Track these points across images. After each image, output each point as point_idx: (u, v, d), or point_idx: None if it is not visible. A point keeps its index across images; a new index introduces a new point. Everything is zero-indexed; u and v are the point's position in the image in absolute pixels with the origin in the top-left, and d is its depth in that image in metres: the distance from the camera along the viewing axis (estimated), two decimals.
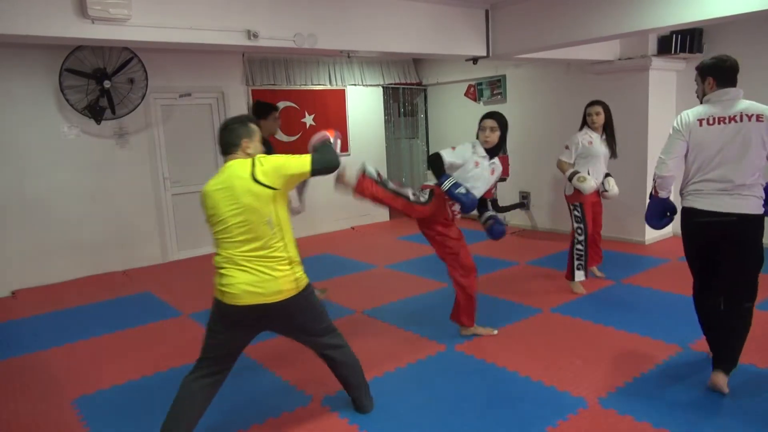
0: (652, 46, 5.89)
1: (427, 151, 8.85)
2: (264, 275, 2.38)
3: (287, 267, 2.44)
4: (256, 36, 3.96)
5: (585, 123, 4.66)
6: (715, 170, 2.81)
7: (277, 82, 7.05)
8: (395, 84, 8.27)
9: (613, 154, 4.72)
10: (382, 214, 8.42)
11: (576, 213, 4.61)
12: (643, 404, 2.82)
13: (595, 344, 3.60)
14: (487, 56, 5.39)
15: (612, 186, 4.70)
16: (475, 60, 5.48)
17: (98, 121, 5.76)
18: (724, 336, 2.91)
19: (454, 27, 5.06)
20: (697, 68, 3.01)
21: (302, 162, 2.43)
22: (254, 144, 2.52)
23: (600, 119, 4.58)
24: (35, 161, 5.61)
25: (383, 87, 8.21)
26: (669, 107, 6.26)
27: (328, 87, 7.58)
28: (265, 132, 4.06)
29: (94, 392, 3.29)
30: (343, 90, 7.75)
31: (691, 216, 2.91)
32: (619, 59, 6.09)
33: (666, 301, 4.34)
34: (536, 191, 7.34)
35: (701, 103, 2.98)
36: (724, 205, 2.78)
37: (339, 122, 7.74)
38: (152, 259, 6.40)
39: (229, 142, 2.49)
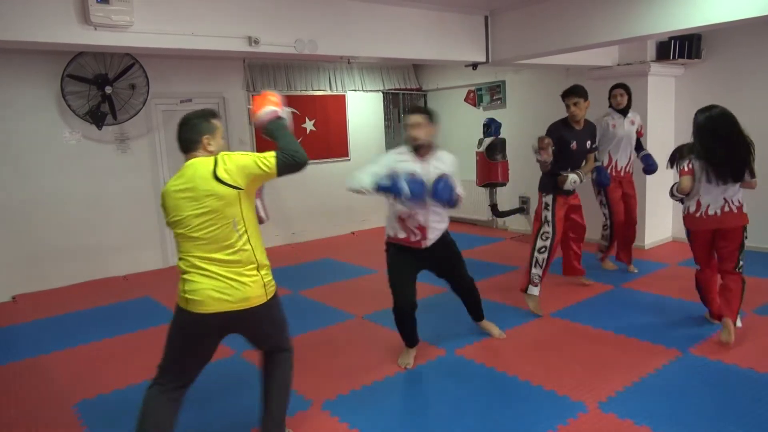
0: (651, 51, 5.92)
1: None
2: (230, 281, 2.24)
3: (254, 272, 2.30)
4: (257, 42, 3.99)
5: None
6: None
7: (277, 88, 7.08)
8: (395, 89, 8.30)
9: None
10: (382, 219, 8.40)
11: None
12: (643, 408, 2.83)
13: (595, 349, 3.61)
14: (487, 62, 5.41)
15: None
16: (474, 66, 5.50)
17: (99, 126, 5.78)
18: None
19: (454, 33, 5.09)
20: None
21: (267, 161, 2.25)
22: (216, 141, 2.36)
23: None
24: (37, 166, 5.63)
25: (383, 92, 8.24)
26: (668, 113, 6.28)
27: (329, 92, 7.61)
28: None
29: (95, 396, 3.29)
30: (344, 95, 7.78)
31: None
32: (618, 65, 6.12)
33: (665, 306, 4.35)
34: (536, 196, 7.32)
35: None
36: None
37: (339, 127, 7.77)
38: (153, 264, 6.41)
39: (188, 139, 2.34)
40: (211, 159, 2.25)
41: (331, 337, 4.03)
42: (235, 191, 2.21)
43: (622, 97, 4.99)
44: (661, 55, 5.91)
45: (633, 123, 5.04)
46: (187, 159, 2.33)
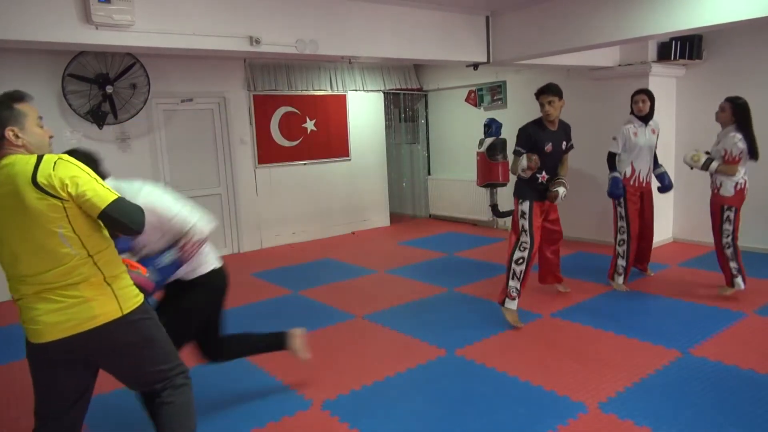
0: (652, 52, 5.92)
1: (428, 156, 8.88)
2: (71, 299, 1.85)
3: (101, 285, 1.90)
4: (258, 42, 3.99)
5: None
6: None
7: (278, 88, 7.08)
8: (396, 89, 8.30)
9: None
10: (382, 219, 8.43)
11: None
12: (643, 409, 2.83)
13: (595, 349, 3.61)
14: (488, 62, 5.41)
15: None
16: (475, 66, 5.50)
17: (100, 125, 5.79)
18: None
19: (455, 33, 5.09)
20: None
21: (103, 194, 1.84)
22: (26, 131, 1.87)
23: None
24: None
25: (384, 92, 8.24)
26: (669, 113, 6.28)
27: (330, 92, 7.61)
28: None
29: (95, 396, 3.28)
30: (344, 95, 7.78)
31: None
32: (619, 65, 6.11)
33: (666, 307, 4.35)
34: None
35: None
36: None
37: (340, 127, 7.77)
38: None
39: None
40: (33, 158, 1.82)
41: (331, 337, 4.04)
42: (57, 201, 1.80)
43: (644, 104, 4.66)
44: (662, 56, 5.91)
45: (654, 132, 4.75)
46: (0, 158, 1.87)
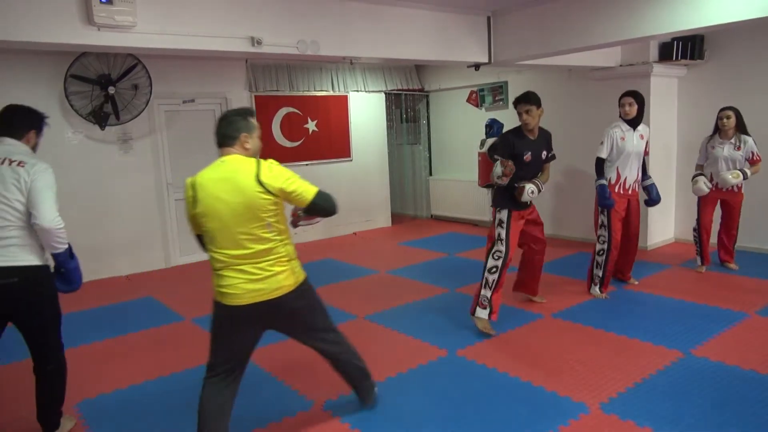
0: (654, 52, 5.92)
1: (429, 157, 8.89)
2: (264, 272, 2.35)
3: (286, 263, 2.41)
4: (259, 43, 4.00)
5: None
6: None
7: (280, 88, 7.09)
8: (397, 90, 8.31)
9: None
10: (384, 219, 8.43)
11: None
12: (645, 410, 2.83)
13: (597, 350, 3.60)
14: (489, 63, 5.41)
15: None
16: (477, 66, 5.50)
17: (102, 126, 5.80)
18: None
19: (456, 34, 5.10)
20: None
21: (308, 188, 2.37)
22: (253, 140, 2.44)
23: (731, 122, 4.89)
24: None
25: (385, 93, 8.24)
26: (670, 113, 6.28)
27: (331, 93, 7.61)
28: None
29: (97, 396, 3.30)
30: (346, 96, 7.79)
31: None
32: (621, 65, 6.11)
33: (667, 307, 4.34)
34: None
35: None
36: None
37: (341, 128, 7.78)
38: (155, 264, 6.42)
39: (226, 134, 2.43)
40: (253, 161, 2.34)
41: None
42: (272, 198, 2.29)
43: (631, 107, 4.44)
44: (664, 56, 5.90)
45: (642, 138, 4.53)
46: (222, 154, 2.42)
